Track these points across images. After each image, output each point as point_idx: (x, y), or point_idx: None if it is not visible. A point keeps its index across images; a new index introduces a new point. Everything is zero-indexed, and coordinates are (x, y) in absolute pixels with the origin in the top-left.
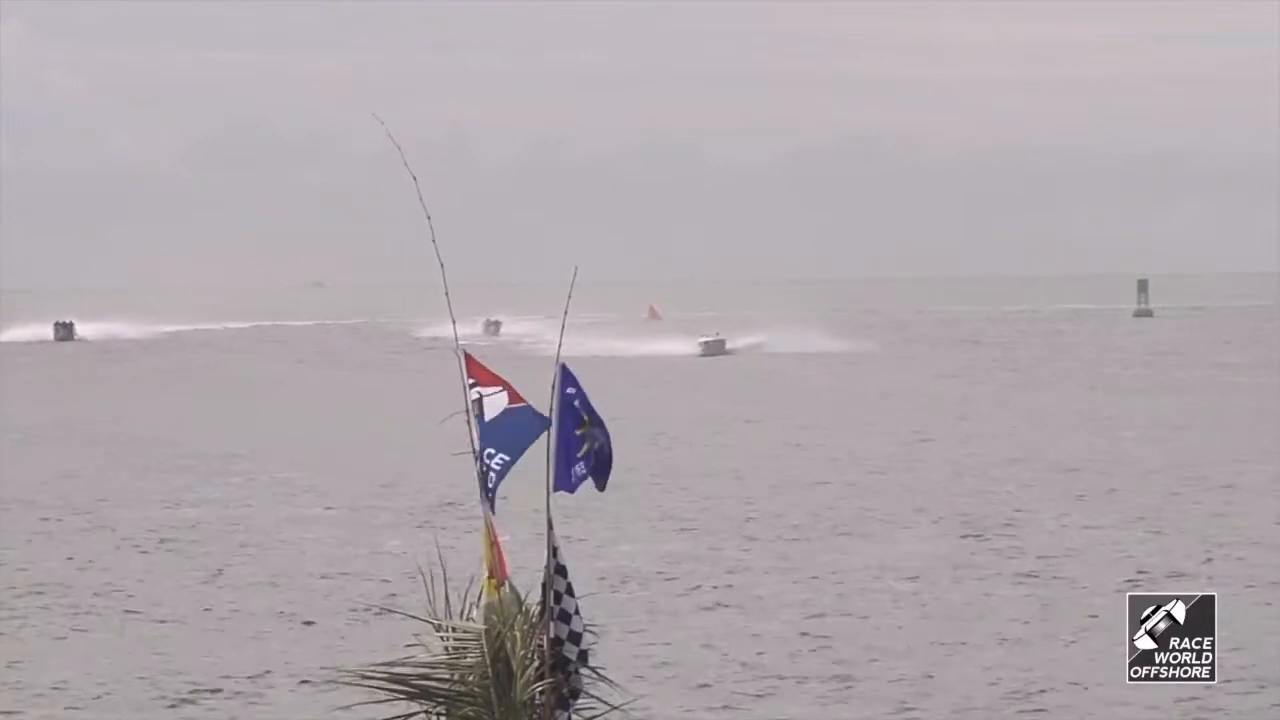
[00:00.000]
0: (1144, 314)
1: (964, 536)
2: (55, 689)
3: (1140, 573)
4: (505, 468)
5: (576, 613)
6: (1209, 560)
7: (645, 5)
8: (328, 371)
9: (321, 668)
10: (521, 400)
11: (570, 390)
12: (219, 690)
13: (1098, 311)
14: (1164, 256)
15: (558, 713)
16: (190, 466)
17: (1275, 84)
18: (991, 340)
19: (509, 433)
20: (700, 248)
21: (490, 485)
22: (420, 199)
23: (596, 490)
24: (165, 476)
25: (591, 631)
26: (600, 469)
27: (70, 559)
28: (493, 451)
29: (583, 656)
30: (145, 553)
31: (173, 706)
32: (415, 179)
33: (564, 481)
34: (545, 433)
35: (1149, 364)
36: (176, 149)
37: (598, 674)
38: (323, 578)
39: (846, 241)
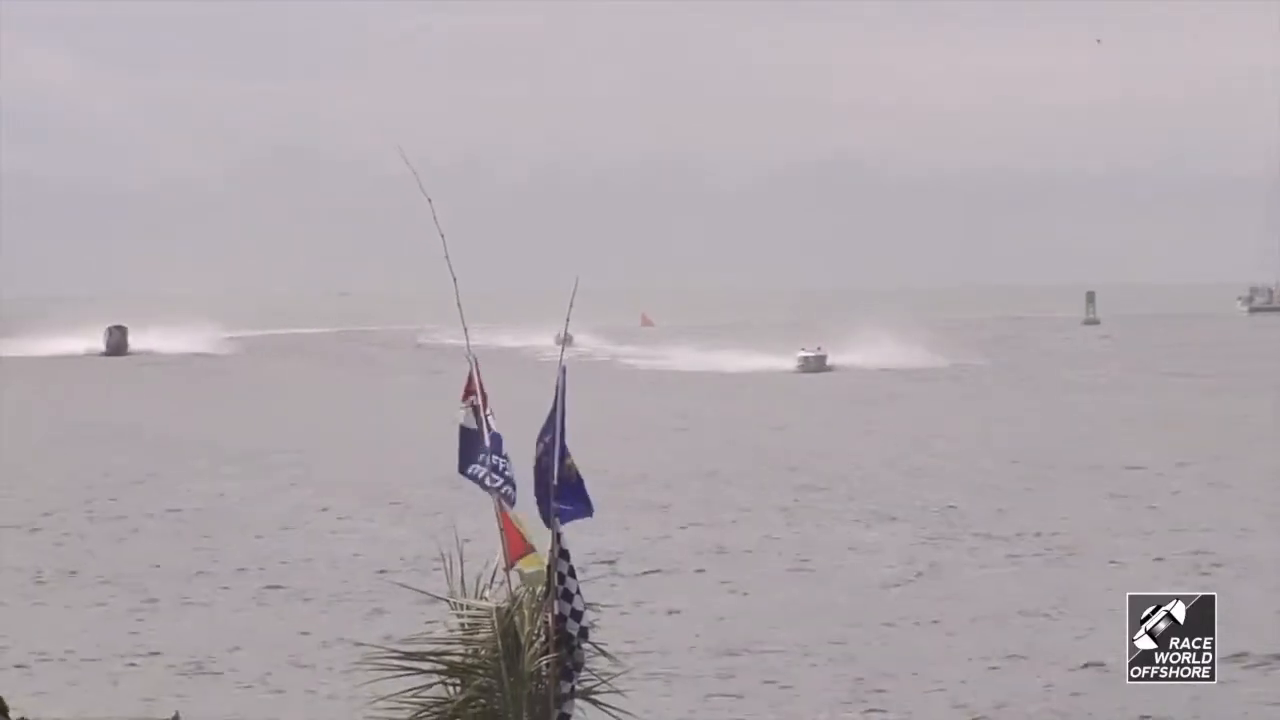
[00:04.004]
0: (1091, 323)
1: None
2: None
3: (1151, 563)
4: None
5: (578, 592)
6: (1209, 559)
7: (621, 31)
8: (355, 372)
9: (346, 642)
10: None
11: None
12: (252, 658)
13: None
14: (1133, 270)
15: (561, 683)
16: (230, 464)
17: (1244, 108)
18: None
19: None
20: (691, 258)
21: (492, 486)
22: (435, 219)
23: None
24: (208, 475)
25: (592, 608)
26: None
27: (121, 543)
28: (499, 461)
29: (583, 632)
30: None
31: (187, 673)
32: (430, 201)
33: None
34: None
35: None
36: (224, 171)
37: (597, 648)
38: (336, 564)
39: (818, 257)
